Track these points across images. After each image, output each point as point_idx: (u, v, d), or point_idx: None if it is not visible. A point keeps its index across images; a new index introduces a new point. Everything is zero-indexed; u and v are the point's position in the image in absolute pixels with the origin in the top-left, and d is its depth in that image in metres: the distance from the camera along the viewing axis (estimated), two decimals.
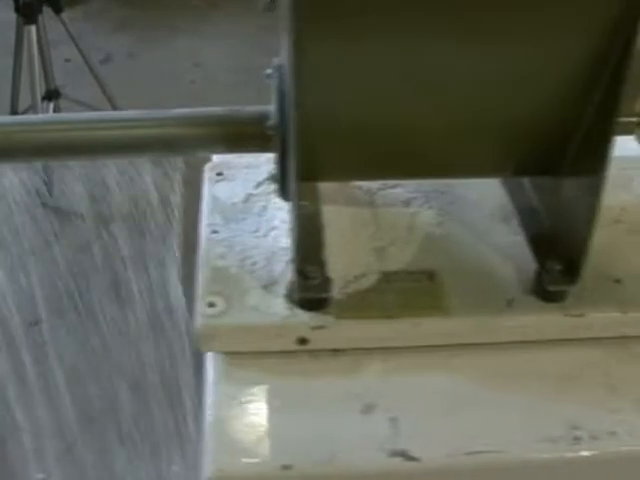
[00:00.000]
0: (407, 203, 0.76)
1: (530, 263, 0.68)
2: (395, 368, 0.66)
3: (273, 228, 0.73)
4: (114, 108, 2.11)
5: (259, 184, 0.78)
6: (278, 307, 0.66)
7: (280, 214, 0.74)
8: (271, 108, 0.66)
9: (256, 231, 0.73)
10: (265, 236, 0.72)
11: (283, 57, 0.63)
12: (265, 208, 0.75)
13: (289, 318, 0.65)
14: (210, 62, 2.90)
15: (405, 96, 0.58)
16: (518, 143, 0.64)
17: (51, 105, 1.95)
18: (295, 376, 0.65)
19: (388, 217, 0.74)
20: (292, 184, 0.59)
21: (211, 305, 0.66)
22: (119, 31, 2.92)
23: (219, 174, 0.79)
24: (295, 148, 0.56)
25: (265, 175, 0.79)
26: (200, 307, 0.66)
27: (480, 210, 0.75)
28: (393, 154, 0.61)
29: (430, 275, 0.69)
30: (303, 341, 0.66)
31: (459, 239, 0.73)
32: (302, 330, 0.65)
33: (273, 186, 0.77)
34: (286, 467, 0.59)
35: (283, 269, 0.69)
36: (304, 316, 0.65)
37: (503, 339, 0.66)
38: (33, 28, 1.91)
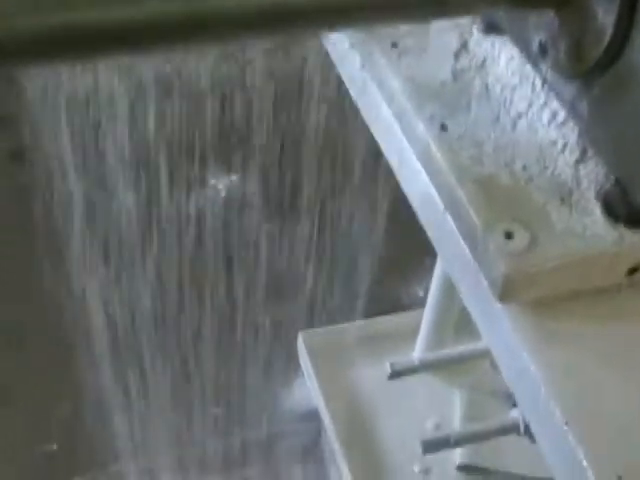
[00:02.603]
0: None
1: None
2: None
3: (519, 115, 0.53)
4: None
5: (457, 54, 0.57)
6: (599, 228, 0.47)
7: (517, 94, 0.54)
8: None
9: (497, 121, 0.53)
10: (514, 128, 0.52)
11: None
12: (487, 87, 0.55)
13: (620, 242, 0.47)
14: None
15: None
16: None
17: None
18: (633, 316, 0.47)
19: None
20: None
21: (509, 236, 0.46)
22: None
23: (394, 45, 0.57)
24: None
25: (456, 43, 0.57)
26: (495, 240, 0.46)
27: None
28: None
29: None
30: (633, 270, 0.48)
31: None
32: (636, 256, 0.47)
33: (480, 57, 0.57)
34: None
35: (572, 172, 0.49)
36: (636, 237, 0.47)
37: None
38: None
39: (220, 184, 1.32)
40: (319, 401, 0.92)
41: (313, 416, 1.09)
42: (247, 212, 1.21)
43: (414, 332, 0.93)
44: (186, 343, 1.14)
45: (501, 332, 0.47)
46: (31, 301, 1.12)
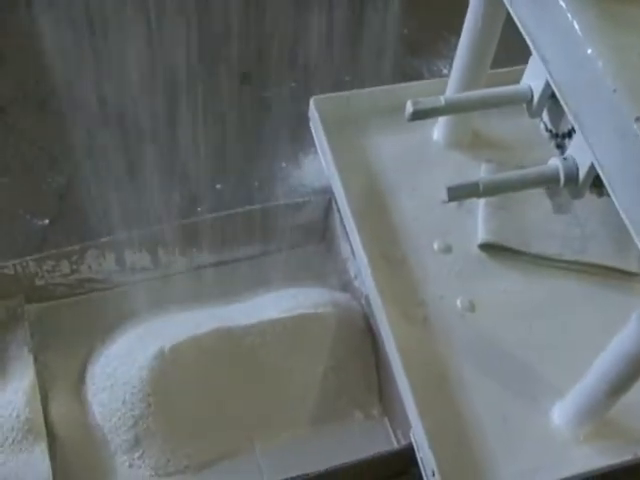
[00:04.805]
0: None
1: None
2: None
3: None
4: None
5: None
6: None
7: None
8: None
9: None
10: None
11: None
12: None
13: None
14: None
15: None
16: None
17: None
18: None
19: None
20: None
21: None
22: None
23: None
24: None
25: None
26: None
27: None
28: None
29: None
30: None
31: None
32: None
33: None
34: None
35: None
36: None
37: None
38: None
39: None
40: (331, 172, 0.83)
41: (322, 192, 1.02)
42: None
43: None
44: (189, 108, 1.05)
45: (560, 23, 0.37)
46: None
